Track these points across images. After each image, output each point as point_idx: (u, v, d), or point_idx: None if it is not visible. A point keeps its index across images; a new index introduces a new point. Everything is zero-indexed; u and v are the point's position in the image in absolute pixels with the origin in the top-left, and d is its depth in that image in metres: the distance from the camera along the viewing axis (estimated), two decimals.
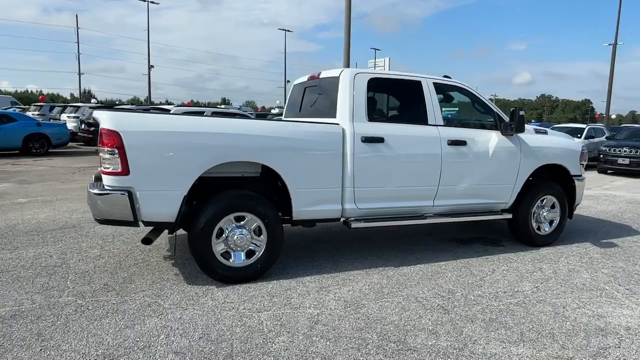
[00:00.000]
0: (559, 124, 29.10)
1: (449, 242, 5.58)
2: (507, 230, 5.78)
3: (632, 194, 10.23)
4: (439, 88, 4.97)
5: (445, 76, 5.20)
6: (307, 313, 3.46)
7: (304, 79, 5.44)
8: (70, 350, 2.84)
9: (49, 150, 14.83)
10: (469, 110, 5.62)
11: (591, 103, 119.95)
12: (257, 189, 4.20)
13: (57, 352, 2.81)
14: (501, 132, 5.09)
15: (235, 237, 3.95)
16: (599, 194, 10.06)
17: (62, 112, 21.06)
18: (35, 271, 4.16)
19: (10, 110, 19.35)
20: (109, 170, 3.60)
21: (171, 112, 11.02)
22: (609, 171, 14.71)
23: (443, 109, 5.02)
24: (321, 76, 4.96)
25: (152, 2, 41.49)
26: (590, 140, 16.29)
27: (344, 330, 3.20)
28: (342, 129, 4.32)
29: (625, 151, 14.16)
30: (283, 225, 4.21)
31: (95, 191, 3.65)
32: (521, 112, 5.06)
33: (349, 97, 4.40)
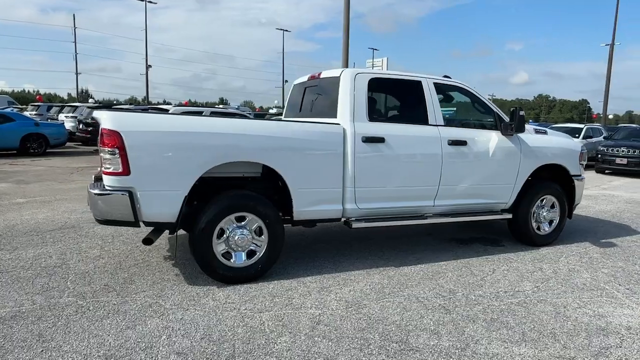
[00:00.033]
0: (556, 123, 29.20)
1: (449, 242, 5.59)
2: (506, 230, 5.79)
3: (630, 194, 10.26)
4: (439, 88, 4.97)
5: (446, 76, 5.21)
6: (309, 313, 3.46)
7: (304, 78, 5.43)
8: (72, 351, 2.83)
9: (47, 150, 14.79)
10: (468, 110, 5.63)
11: (588, 103, 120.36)
12: (257, 189, 4.19)
13: (59, 353, 2.80)
14: (501, 132, 5.10)
15: (236, 237, 3.94)
16: (597, 194, 10.08)
17: (59, 112, 21.00)
18: (35, 272, 4.14)
19: (8, 110, 19.28)
20: (110, 170, 3.59)
21: (170, 112, 11.01)
22: (606, 171, 14.75)
23: (441, 108, 5.02)
24: (322, 76, 4.96)
25: (150, 2, 41.45)
26: (588, 140, 16.33)
27: (345, 331, 3.20)
28: (343, 129, 4.31)
29: (623, 151, 14.20)
30: (284, 225, 4.21)
31: (96, 191, 3.64)
32: (521, 112, 5.07)
33: (350, 97, 4.40)
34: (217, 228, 3.87)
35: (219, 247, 3.92)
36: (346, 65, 18.02)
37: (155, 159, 3.63)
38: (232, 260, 3.97)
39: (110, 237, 5.34)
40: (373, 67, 28.10)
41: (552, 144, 5.56)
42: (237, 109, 26.41)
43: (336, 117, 4.46)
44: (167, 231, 4.18)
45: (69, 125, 17.55)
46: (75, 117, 18.63)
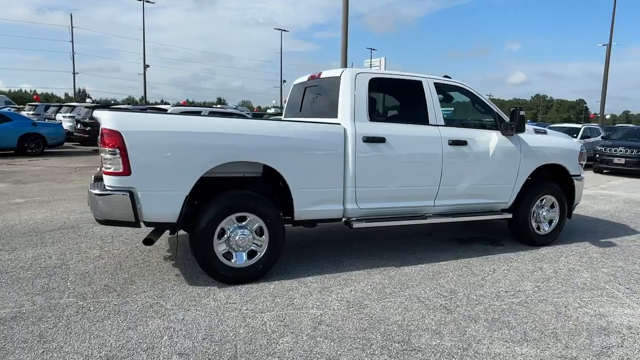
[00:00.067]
0: (553, 123, 29.28)
1: (449, 242, 5.59)
2: (506, 230, 5.79)
3: (628, 194, 10.29)
4: (440, 88, 4.97)
5: (446, 76, 5.21)
6: (310, 313, 3.45)
7: (304, 78, 5.43)
8: (73, 352, 2.81)
9: (45, 150, 14.73)
10: (466, 110, 5.64)
11: (585, 103, 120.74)
12: (258, 189, 4.19)
13: (60, 354, 2.78)
14: (501, 132, 5.10)
15: (237, 237, 3.93)
16: (595, 194, 10.11)
17: (57, 111, 20.94)
18: (35, 272, 4.12)
19: (5, 109, 19.20)
20: (110, 170, 3.57)
21: (168, 111, 10.99)
22: (604, 171, 14.79)
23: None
24: (322, 76, 4.95)
25: (147, 1, 41.35)
26: (586, 140, 16.38)
27: (347, 331, 3.20)
28: (344, 128, 4.31)
29: (621, 151, 14.25)
30: (284, 225, 4.20)
31: (97, 191, 3.63)
32: (521, 112, 5.08)
33: (351, 97, 4.40)
34: (218, 228, 3.86)
35: (220, 247, 3.91)
36: (345, 65, 18.03)
37: (156, 159, 3.62)
38: (233, 261, 3.96)
39: (110, 237, 5.32)
40: (371, 66, 28.12)
41: (552, 144, 5.57)
42: (235, 108, 26.37)
43: (337, 117, 4.45)
44: (167, 231, 4.17)
45: (66, 125, 17.49)
46: (73, 117, 18.58)
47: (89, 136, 16.16)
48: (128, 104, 36.08)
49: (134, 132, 3.55)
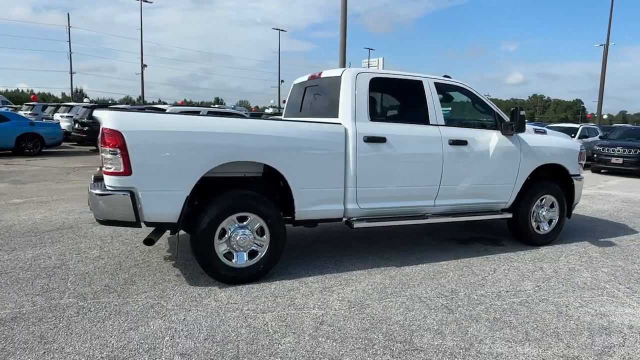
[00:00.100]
0: (550, 123, 29.35)
1: (449, 242, 5.59)
2: (506, 230, 5.80)
3: (626, 193, 10.32)
4: (440, 88, 4.97)
5: (446, 76, 5.21)
6: (312, 313, 3.45)
7: (305, 78, 5.42)
8: (74, 352, 2.80)
9: (42, 150, 14.68)
10: (466, 110, 5.64)
11: (582, 103, 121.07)
12: (258, 189, 4.18)
13: (61, 355, 2.77)
14: (501, 132, 5.11)
15: (238, 237, 3.92)
16: (594, 193, 10.13)
17: (55, 111, 20.87)
18: (35, 273, 4.10)
19: (3, 109, 19.13)
20: (111, 170, 3.56)
21: (167, 111, 10.96)
22: (602, 170, 14.83)
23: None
24: (322, 76, 4.95)
25: (145, 1, 41.27)
26: (583, 140, 16.42)
27: (349, 331, 3.19)
28: (345, 128, 4.30)
29: (618, 151, 14.29)
30: (285, 225, 4.19)
31: (97, 191, 3.61)
32: (522, 112, 5.09)
33: (351, 97, 4.39)
34: (219, 228, 3.85)
35: (221, 248, 3.90)
36: (343, 65, 18.03)
37: (157, 158, 3.61)
38: (233, 261, 3.95)
39: (110, 237, 5.30)
40: (369, 66, 28.13)
41: (552, 143, 5.58)
42: (233, 108, 26.33)
43: (337, 117, 4.45)
44: (167, 231, 4.16)
45: (64, 125, 17.43)
46: (71, 116, 18.51)
47: (86, 136, 16.12)
48: (126, 103, 35.99)
49: (134, 132, 3.53)
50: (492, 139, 5.07)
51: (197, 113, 11.28)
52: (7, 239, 5.14)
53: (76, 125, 16.98)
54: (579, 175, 5.78)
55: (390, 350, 2.96)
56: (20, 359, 2.72)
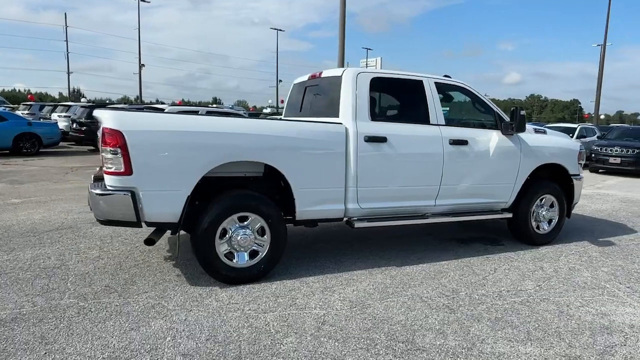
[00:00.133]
0: (548, 123, 29.42)
1: (449, 242, 5.60)
2: (505, 230, 5.81)
3: (624, 193, 10.35)
4: (440, 87, 4.97)
5: (446, 76, 5.21)
6: (314, 314, 3.44)
7: (305, 78, 5.41)
8: (76, 353, 2.79)
9: (40, 150, 14.63)
10: (466, 110, 5.64)
11: (579, 103, 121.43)
12: (259, 189, 4.17)
13: (62, 356, 2.76)
14: (502, 132, 5.11)
15: (239, 237, 3.91)
16: (592, 193, 10.16)
17: (52, 111, 20.80)
18: (34, 273, 4.08)
19: (0, 109, 19.06)
20: (112, 170, 3.54)
21: (165, 111, 10.93)
22: (600, 170, 14.88)
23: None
24: (322, 75, 4.94)
25: (143, 1, 41.16)
26: (581, 139, 16.46)
27: (351, 331, 3.19)
28: (345, 128, 4.30)
29: (616, 150, 14.33)
30: (286, 225, 4.18)
31: (98, 191, 3.60)
32: (522, 112, 5.09)
33: (352, 97, 4.39)
34: (220, 228, 3.84)
35: (222, 248, 3.89)
36: (342, 65, 18.02)
37: (158, 158, 3.59)
38: (234, 261, 3.94)
39: (109, 237, 5.28)
40: (367, 66, 28.14)
41: (552, 143, 5.59)
42: (231, 108, 26.29)
43: (338, 117, 4.44)
44: (167, 231, 4.15)
45: (62, 124, 17.37)
46: (69, 116, 18.44)
47: (84, 136, 16.07)
48: (124, 103, 35.90)
49: (135, 132, 3.52)
50: (492, 138, 5.07)
51: (195, 113, 11.26)
52: (6, 239, 5.12)
53: (74, 125, 16.91)
54: (578, 175, 5.79)
55: (393, 350, 2.95)
56: (21, 359, 2.71)
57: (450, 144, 4.76)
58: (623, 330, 3.32)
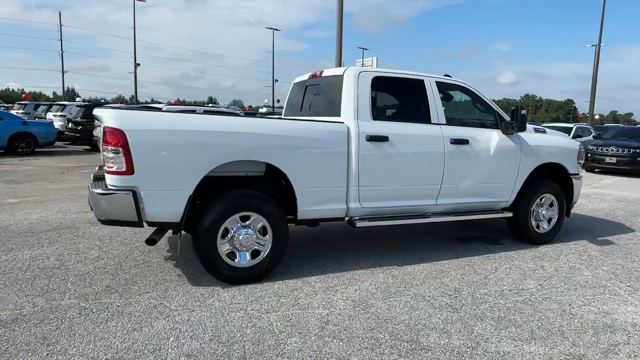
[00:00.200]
0: (543, 123, 29.55)
1: (450, 241, 5.60)
2: (504, 229, 5.82)
3: (620, 192, 10.40)
4: (441, 87, 4.97)
5: (447, 75, 5.21)
6: (317, 313, 3.43)
7: (305, 77, 5.39)
8: (78, 354, 2.76)
9: (35, 150, 14.52)
10: (467, 109, 5.64)
11: (574, 103, 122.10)
12: (260, 189, 4.15)
13: (65, 357, 2.73)
14: (502, 131, 5.12)
15: (241, 237, 3.89)
16: (589, 193, 10.20)
17: (47, 110, 20.66)
18: (34, 273, 4.05)
19: None
20: (113, 169, 3.51)
21: (163, 110, 10.87)
22: (596, 170, 14.95)
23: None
24: (323, 74, 4.93)
25: (138, 0, 40.96)
26: (577, 139, 16.54)
27: (355, 331, 3.18)
28: (347, 127, 4.29)
29: (612, 150, 14.40)
30: (288, 224, 4.17)
31: (99, 191, 3.57)
32: (523, 112, 5.11)
33: (354, 96, 4.38)
34: (222, 228, 3.82)
35: (224, 247, 3.87)
36: (339, 64, 18.00)
37: (160, 157, 3.57)
38: (236, 260, 3.92)
39: (108, 237, 5.24)
40: (363, 66, 28.14)
41: (551, 143, 5.61)
42: (226, 108, 26.21)
43: (339, 116, 4.43)
44: (169, 231, 4.12)
45: (57, 124, 17.24)
46: (64, 115, 18.33)
47: (80, 135, 15.97)
48: (120, 102, 35.72)
49: (137, 131, 3.49)
50: (493, 138, 5.08)
51: (193, 112, 11.21)
52: (4, 239, 5.07)
53: (70, 125, 16.80)
54: (578, 174, 5.81)
55: (398, 349, 2.94)
56: None
57: (451, 143, 4.76)
58: (626, 329, 3.33)
